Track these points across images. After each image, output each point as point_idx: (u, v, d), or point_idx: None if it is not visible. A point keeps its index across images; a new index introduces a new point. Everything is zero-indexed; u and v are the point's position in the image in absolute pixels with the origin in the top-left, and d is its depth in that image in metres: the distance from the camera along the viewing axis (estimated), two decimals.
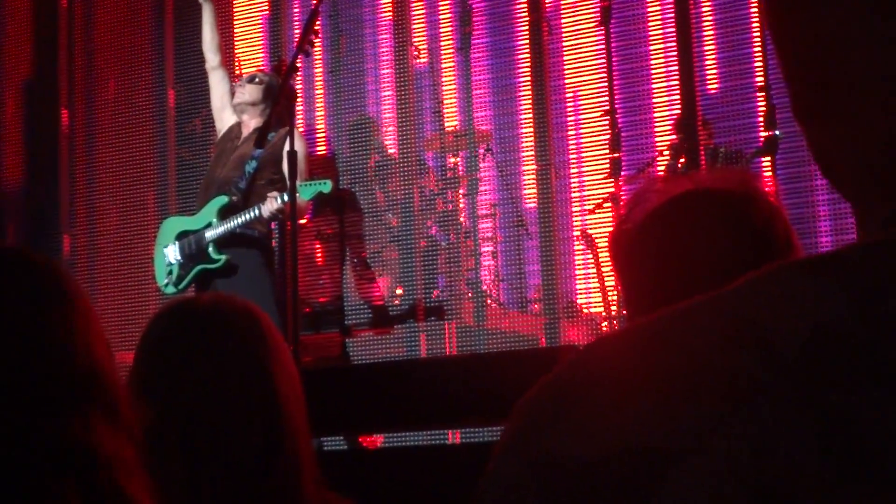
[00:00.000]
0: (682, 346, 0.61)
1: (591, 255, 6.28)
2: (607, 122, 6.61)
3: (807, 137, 0.69)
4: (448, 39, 7.30)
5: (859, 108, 0.65)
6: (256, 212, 5.94)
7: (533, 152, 6.81)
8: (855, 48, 0.65)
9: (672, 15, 6.55)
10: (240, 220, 6.01)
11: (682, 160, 6.30)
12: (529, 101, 6.87)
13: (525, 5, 6.93)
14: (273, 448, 1.82)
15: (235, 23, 7.63)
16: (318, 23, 5.75)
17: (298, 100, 7.21)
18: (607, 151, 6.57)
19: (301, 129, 6.99)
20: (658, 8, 6.74)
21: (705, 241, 1.62)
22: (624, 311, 1.76)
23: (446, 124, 7.21)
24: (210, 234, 6.08)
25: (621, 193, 6.38)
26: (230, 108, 6.43)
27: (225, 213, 6.08)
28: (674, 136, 6.47)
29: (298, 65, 5.82)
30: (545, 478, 0.61)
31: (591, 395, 0.62)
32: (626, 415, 0.60)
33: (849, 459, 0.54)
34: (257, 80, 6.39)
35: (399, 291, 6.78)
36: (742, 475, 0.56)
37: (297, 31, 7.27)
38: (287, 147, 5.67)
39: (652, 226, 1.70)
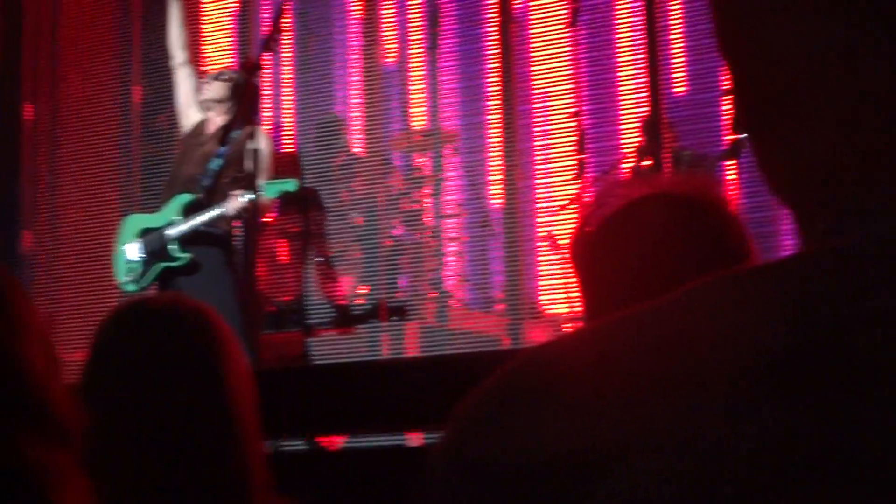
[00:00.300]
0: (656, 346, 0.61)
1: (556, 257, 6.29)
2: (574, 124, 6.61)
3: (753, 147, 0.70)
4: (417, 39, 7.29)
5: (805, 121, 0.66)
6: (221, 210, 5.91)
7: (499, 153, 6.81)
8: (803, 62, 0.65)
9: (640, 18, 6.56)
10: (204, 218, 5.98)
11: (647, 162, 6.31)
12: (497, 102, 6.87)
13: (494, 6, 6.93)
14: (221, 451, 1.80)
15: (203, 19, 7.60)
16: (284, 20, 5.73)
17: (265, 97, 7.19)
18: (573, 153, 6.57)
19: (268, 127, 6.97)
20: (627, 11, 6.75)
21: (661, 246, 1.63)
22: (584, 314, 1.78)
23: (413, 124, 7.20)
24: (173, 231, 6.05)
25: (586, 195, 6.39)
26: (196, 104, 6.39)
27: (189, 211, 6.05)
28: (640, 138, 6.48)
29: (263, 62, 5.79)
30: (483, 481, 0.61)
31: (545, 395, 0.61)
32: (594, 413, 0.59)
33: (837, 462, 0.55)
34: (224, 76, 6.36)
35: (362, 291, 6.77)
36: (740, 474, 0.56)
37: (265, 28, 7.25)
38: (251, 145, 5.65)
39: (610, 229, 1.71)
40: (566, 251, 1.82)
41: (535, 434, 0.60)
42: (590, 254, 1.74)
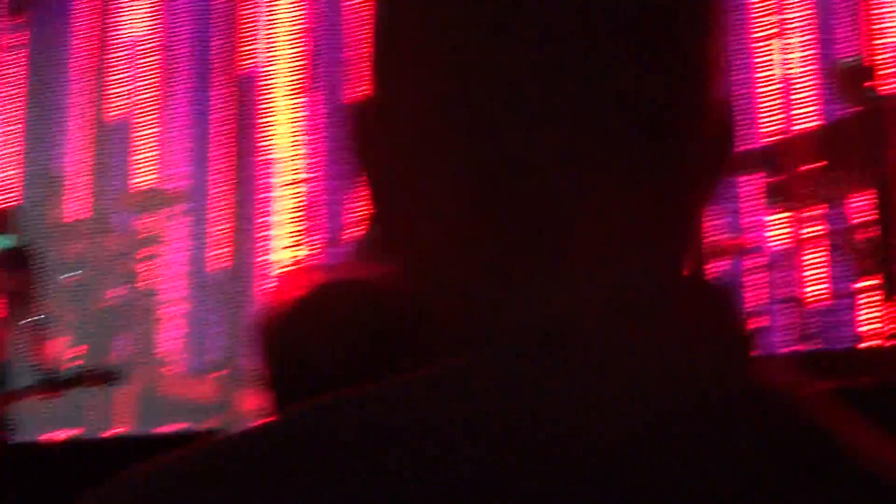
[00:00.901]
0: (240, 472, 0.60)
1: None
2: (303, 189, 6.62)
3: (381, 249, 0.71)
4: (148, 95, 7.17)
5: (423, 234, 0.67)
6: None
7: (225, 216, 6.73)
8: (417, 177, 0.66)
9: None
10: None
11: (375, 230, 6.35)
12: (227, 164, 6.80)
13: (228, 70, 6.89)
14: None
15: None
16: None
17: None
18: (300, 219, 6.57)
19: None
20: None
21: (332, 336, 1.62)
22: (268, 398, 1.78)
23: (140, 183, 7.07)
24: None
25: (311, 262, 6.41)
26: None
27: None
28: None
29: None
30: None
31: None
32: None
33: None
34: None
35: (75, 353, 6.58)
36: None
37: None
38: None
39: (287, 316, 1.70)
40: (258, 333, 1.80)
41: None
42: (274, 339, 1.73)
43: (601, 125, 0.64)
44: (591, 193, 0.64)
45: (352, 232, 6.57)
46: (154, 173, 7.07)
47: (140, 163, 7.09)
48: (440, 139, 0.65)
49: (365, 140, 0.69)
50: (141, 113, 7.16)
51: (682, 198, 0.67)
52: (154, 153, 7.09)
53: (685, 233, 0.67)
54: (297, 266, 6.42)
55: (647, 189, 0.65)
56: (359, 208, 6.54)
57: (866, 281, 5.75)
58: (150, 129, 7.13)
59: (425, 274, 0.68)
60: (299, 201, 6.65)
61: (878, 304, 5.56)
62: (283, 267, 6.54)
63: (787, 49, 6.23)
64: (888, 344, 5.52)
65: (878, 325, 5.60)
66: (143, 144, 7.12)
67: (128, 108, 7.19)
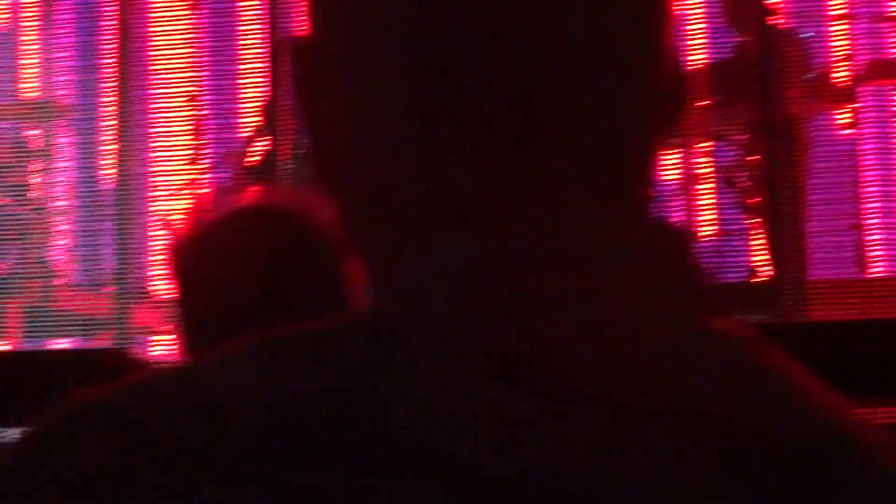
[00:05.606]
0: (187, 410, 0.61)
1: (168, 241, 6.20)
2: (193, 106, 6.53)
3: (334, 206, 0.70)
4: (30, 4, 6.98)
5: (377, 184, 0.67)
6: None
7: (115, 129, 6.60)
8: (376, 124, 0.67)
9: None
10: None
11: (265, 141, 6.29)
12: (114, 77, 6.65)
13: None
14: None
15: None
16: None
17: None
18: (191, 135, 6.50)
19: None
20: None
21: (250, 259, 1.64)
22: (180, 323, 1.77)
23: (25, 93, 6.91)
24: None
25: (201, 181, 6.36)
26: None
27: None
28: (260, 120, 6.46)
29: None
30: None
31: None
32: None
33: None
34: None
35: None
36: None
37: None
38: None
39: (204, 240, 1.71)
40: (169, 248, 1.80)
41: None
42: (185, 262, 1.73)
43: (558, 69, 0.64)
44: (549, 140, 0.65)
45: (239, 153, 6.52)
46: (41, 83, 6.91)
47: (27, 72, 6.93)
48: (376, 84, 0.66)
49: (302, 78, 0.70)
50: (26, 20, 6.97)
51: (642, 144, 0.68)
52: (39, 63, 6.92)
53: (644, 178, 0.69)
54: (210, 189, 6.35)
55: (606, 135, 0.66)
56: (247, 129, 6.48)
57: (754, 217, 5.87)
58: (35, 36, 6.95)
59: (354, 214, 0.68)
60: (191, 118, 6.57)
61: (764, 239, 5.69)
62: (174, 185, 6.47)
63: None
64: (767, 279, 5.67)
65: (764, 260, 5.73)
66: (30, 53, 6.95)
67: (12, 15, 7.00)
